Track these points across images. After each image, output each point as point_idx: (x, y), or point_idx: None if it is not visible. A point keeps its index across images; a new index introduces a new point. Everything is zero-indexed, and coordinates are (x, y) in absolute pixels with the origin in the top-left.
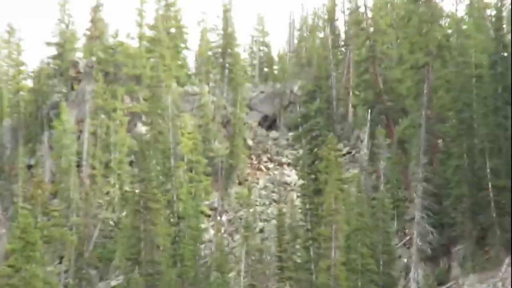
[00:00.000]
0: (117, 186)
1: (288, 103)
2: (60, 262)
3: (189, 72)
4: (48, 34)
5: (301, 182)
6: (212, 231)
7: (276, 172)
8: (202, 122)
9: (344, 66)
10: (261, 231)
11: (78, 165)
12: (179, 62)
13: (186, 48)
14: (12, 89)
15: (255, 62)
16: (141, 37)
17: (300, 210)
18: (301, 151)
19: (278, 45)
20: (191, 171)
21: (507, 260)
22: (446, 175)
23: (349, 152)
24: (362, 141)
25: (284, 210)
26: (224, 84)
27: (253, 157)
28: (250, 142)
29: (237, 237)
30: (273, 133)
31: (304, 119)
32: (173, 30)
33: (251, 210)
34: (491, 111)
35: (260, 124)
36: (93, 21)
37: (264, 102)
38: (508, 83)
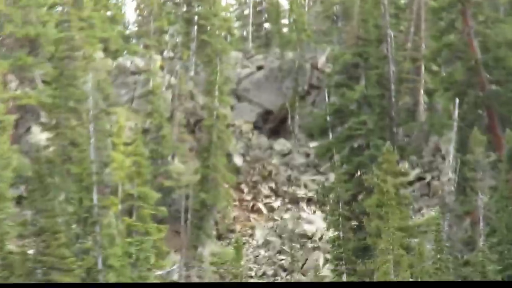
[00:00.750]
0: None
1: (308, 89)
2: None
3: (127, 32)
4: None
5: (332, 233)
6: None
7: (286, 216)
8: (150, 124)
9: (410, 19)
10: None
11: None
12: (109, 14)
13: None
14: None
15: (247, 12)
16: None
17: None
18: (332, 177)
19: None
20: (130, 215)
21: None
22: None
23: (421, 178)
24: (444, 158)
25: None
26: (191, 53)
27: (245, 187)
28: (238, 161)
29: None
30: (281, 143)
31: (337, 116)
32: None
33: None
34: None
35: (257, 126)
36: None
37: (264, 87)
38: None
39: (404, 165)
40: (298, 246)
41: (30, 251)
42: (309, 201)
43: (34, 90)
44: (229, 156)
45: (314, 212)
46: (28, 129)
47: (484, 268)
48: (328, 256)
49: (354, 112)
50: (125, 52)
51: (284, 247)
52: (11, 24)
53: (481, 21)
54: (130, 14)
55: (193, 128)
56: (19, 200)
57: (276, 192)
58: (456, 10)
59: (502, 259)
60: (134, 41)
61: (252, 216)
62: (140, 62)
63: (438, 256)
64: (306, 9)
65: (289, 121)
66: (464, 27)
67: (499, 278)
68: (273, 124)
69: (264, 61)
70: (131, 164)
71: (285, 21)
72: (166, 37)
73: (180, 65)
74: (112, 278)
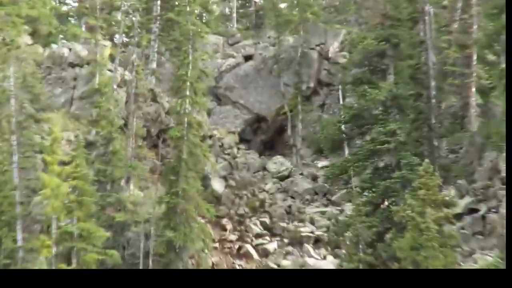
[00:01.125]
0: None
1: (315, 86)
2: None
3: (64, 9)
4: None
5: None
6: None
7: (286, 262)
8: (97, 135)
9: None
10: None
11: None
12: None
13: None
14: None
15: None
16: None
17: None
18: (349, 208)
19: None
20: (68, 261)
21: None
22: None
23: (473, 210)
24: (504, 181)
25: None
26: (152, 37)
27: (228, 223)
28: (219, 186)
29: None
30: (278, 162)
31: (356, 125)
32: None
33: None
34: None
35: (244, 139)
36: None
37: (254, 84)
38: None
39: (449, 192)
40: None
41: None
42: (317, 241)
43: None
44: (205, 179)
45: (325, 257)
46: None
47: None
48: None
49: (379, 119)
50: (61, 36)
51: None
52: None
53: None
54: None
55: (155, 141)
56: None
57: (271, 230)
58: None
59: None
60: (73, 21)
61: (239, 262)
62: (81, 50)
63: None
64: None
65: (289, 131)
66: None
67: None
68: (267, 135)
69: (253, 48)
70: (70, 191)
71: None
72: (118, 16)
73: (137, 54)
74: None
